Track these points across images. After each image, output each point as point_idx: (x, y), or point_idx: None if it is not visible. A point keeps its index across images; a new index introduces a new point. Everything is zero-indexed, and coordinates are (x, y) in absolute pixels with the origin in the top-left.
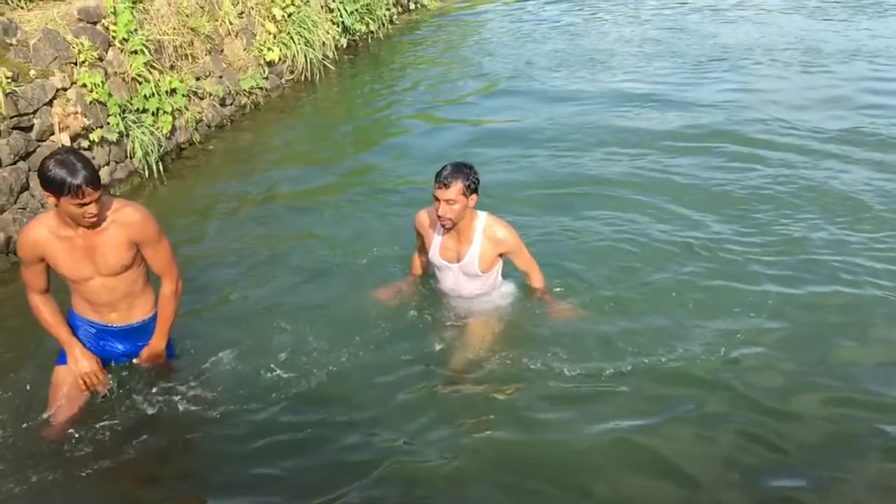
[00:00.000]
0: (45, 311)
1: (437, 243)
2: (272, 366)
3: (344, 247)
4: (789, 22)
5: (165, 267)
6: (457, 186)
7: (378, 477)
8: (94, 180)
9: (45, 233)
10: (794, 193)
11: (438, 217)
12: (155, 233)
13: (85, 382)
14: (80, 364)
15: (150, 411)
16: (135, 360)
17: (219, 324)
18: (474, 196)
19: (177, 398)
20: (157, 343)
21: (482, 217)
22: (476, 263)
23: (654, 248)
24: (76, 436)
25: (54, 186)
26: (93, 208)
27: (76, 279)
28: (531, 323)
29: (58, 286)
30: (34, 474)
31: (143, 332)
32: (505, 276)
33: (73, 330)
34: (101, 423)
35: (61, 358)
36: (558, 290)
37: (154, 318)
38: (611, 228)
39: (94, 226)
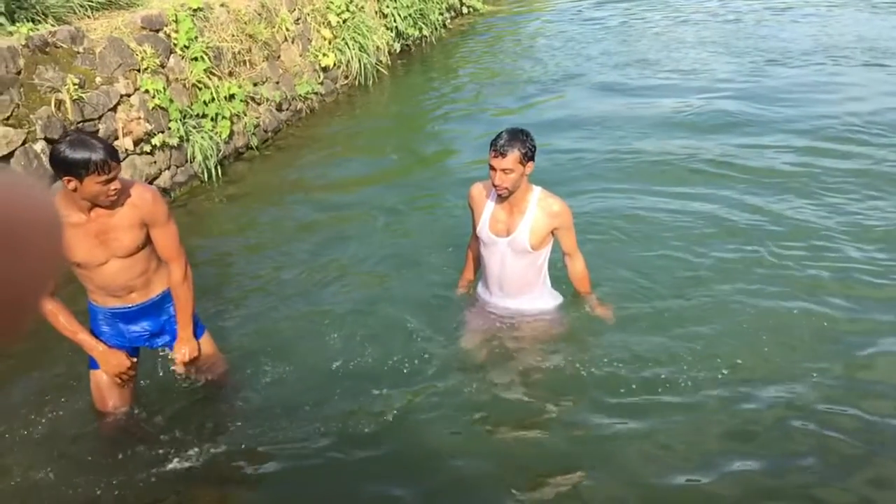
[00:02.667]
0: (62, 316)
1: (487, 214)
2: (318, 377)
3: (398, 250)
4: (854, 19)
5: (173, 251)
6: (513, 155)
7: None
8: (115, 153)
9: None
10: (869, 191)
11: (494, 186)
12: (164, 214)
13: (120, 378)
14: (108, 364)
15: (199, 414)
16: (175, 367)
17: (269, 328)
18: (531, 164)
19: (220, 403)
20: (184, 334)
21: (537, 190)
22: (527, 237)
23: (721, 248)
24: (123, 442)
25: (77, 168)
26: (116, 184)
27: (91, 265)
28: (582, 334)
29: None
30: (89, 481)
31: (165, 303)
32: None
33: (97, 325)
34: (149, 428)
35: (93, 363)
36: (623, 287)
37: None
38: (678, 228)
39: (113, 204)
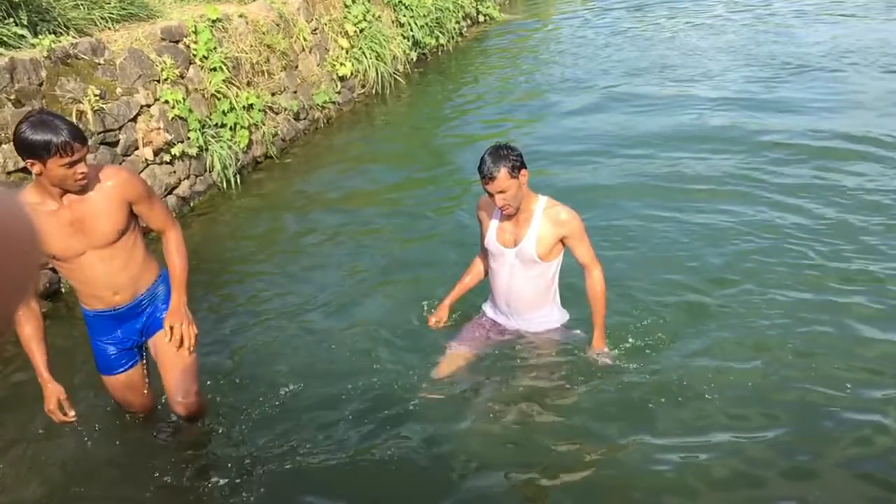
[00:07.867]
0: (27, 326)
1: (494, 226)
2: (326, 397)
3: (415, 261)
4: (870, 25)
5: (164, 218)
6: (502, 175)
7: None
8: (78, 134)
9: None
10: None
11: (501, 209)
12: (144, 188)
13: (53, 416)
14: (46, 399)
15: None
16: (166, 338)
17: (284, 341)
18: (524, 172)
19: (230, 412)
20: (176, 303)
21: (542, 199)
22: (534, 246)
23: (743, 266)
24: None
25: (38, 149)
26: (82, 167)
27: (68, 257)
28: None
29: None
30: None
31: (152, 298)
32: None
33: (95, 333)
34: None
35: (99, 367)
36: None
37: (159, 283)
38: (696, 241)
39: (82, 189)
